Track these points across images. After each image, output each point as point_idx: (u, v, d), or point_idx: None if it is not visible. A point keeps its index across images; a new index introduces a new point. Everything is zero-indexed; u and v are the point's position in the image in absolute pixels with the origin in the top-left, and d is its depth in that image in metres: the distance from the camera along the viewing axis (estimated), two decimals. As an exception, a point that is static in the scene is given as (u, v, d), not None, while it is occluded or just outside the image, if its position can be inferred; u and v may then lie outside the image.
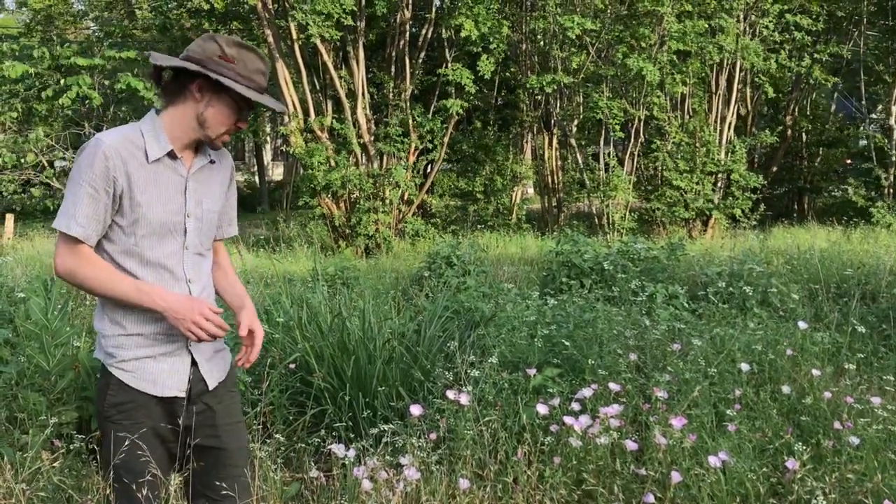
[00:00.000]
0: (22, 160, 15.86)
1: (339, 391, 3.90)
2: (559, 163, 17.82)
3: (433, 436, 3.22)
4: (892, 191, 17.81)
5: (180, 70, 2.14)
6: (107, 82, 16.98)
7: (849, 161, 21.44)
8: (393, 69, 16.41)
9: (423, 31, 16.52)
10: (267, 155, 32.71)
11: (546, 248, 10.01)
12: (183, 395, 2.18)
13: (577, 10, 15.62)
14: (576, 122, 17.40)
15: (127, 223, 2.10)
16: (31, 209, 17.17)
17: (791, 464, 2.96)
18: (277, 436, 3.41)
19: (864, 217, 15.63)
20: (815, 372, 3.65)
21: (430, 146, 16.41)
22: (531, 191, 23.25)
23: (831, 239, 11.67)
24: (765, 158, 20.78)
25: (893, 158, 17.87)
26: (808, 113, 20.93)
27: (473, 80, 15.41)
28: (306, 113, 15.49)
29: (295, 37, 15.17)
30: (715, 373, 3.76)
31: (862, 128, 20.67)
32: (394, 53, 16.37)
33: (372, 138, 15.76)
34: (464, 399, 3.23)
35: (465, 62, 16.10)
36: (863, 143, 20.38)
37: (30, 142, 15.77)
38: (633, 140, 16.64)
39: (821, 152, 21.32)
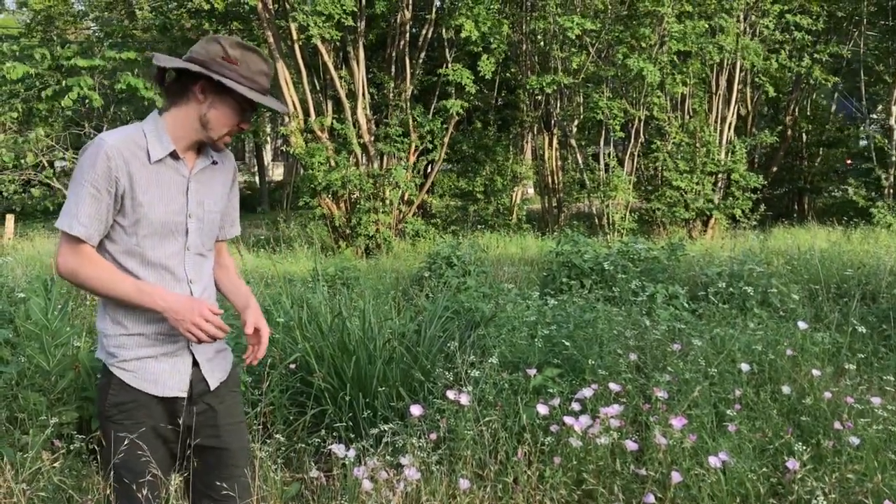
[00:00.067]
0: (22, 160, 15.87)
1: (339, 391, 3.90)
2: (559, 163, 17.81)
3: (433, 436, 3.22)
4: (892, 191, 17.81)
5: (183, 71, 2.14)
6: (107, 82, 16.98)
7: (849, 161, 21.44)
8: (393, 69, 16.41)
9: (424, 32, 16.51)
10: (267, 155, 32.71)
11: (546, 249, 10.01)
12: (184, 395, 2.18)
13: (578, 10, 15.62)
14: (576, 122, 17.40)
15: (129, 223, 2.10)
16: (32, 209, 17.18)
17: (791, 464, 2.96)
18: (278, 436, 3.41)
19: (864, 217, 15.63)
20: (816, 372, 3.65)
21: (430, 146, 16.40)
22: (531, 191, 23.24)
23: (831, 239, 11.67)
24: (765, 158, 20.78)
25: (894, 159, 17.86)
26: (808, 113, 20.93)
27: (474, 80, 15.41)
28: (306, 113, 15.49)
29: (295, 37, 15.17)
30: (715, 373, 3.77)
31: (862, 128, 20.67)
32: (394, 54, 16.36)
33: (372, 138, 15.76)
34: (464, 399, 3.23)
35: (465, 62, 16.11)
36: (863, 143, 20.39)
37: (30, 142, 15.78)
38: (633, 140, 16.64)
39: (821, 152, 21.33)
